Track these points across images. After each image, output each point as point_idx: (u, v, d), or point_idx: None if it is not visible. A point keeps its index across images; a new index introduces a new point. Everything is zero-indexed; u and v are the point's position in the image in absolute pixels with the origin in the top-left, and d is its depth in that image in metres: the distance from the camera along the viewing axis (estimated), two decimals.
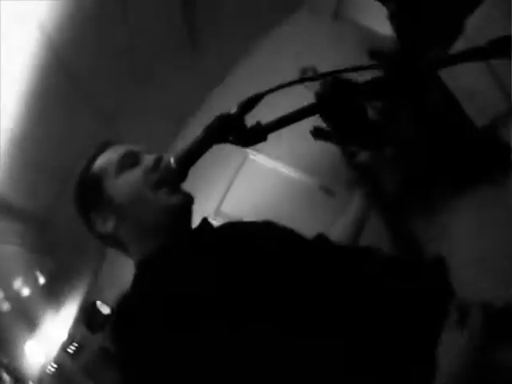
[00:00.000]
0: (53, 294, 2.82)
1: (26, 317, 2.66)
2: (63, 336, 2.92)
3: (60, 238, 2.92)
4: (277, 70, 4.18)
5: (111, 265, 3.46)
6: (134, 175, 1.00)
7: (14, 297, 2.61)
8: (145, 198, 0.98)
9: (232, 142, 0.95)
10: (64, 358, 2.95)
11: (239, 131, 0.94)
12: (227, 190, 4.02)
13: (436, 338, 0.88)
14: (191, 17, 3.19)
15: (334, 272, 0.98)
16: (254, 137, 0.95)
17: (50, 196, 2.94)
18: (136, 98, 3.22)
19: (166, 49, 3.31)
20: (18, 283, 2.64)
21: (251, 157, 4.10)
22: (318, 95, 3.19)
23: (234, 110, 0.93)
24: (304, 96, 3.34)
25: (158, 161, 1.01)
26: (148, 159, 1.03)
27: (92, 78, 2.71)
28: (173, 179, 0.99)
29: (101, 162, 1.04)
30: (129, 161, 1.02)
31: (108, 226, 1.01)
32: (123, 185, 0.99)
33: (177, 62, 3.43)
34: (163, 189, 0.99)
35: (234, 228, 1.21)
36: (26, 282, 2.67)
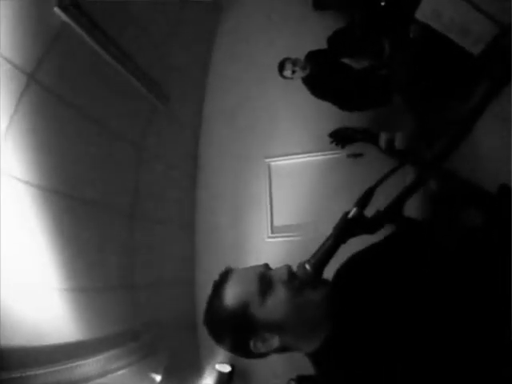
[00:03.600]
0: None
1: None
2: None
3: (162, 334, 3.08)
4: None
5: None
6: (279, 295, 1.04)
7: None
8: (297, 305, 1.03)
9: (359, 235, 1.06)
10: None
11: (364, 225, 1.06)
12: (271, 204, 4.03)
13: None
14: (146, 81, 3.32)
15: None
16: (377, 224, 1.08)
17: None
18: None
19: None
20: None
21: (273, 163, 4.11)
22: (306, 78, 3.19)
23: (353, 211, 1.06)
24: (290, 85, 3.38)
25: (290, 271, 1.07)
26: (279, 273, 1.08)
27: None
28: (312, 280, 1.04)
29: (237, 296, 1.06)
30: (264, 284, 1.05)
31: (273, 343, 1.05)
32: (274, 307, 1.03)
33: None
34: (306, 289, 1.04)
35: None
36: None
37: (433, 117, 2.73)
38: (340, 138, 3.40)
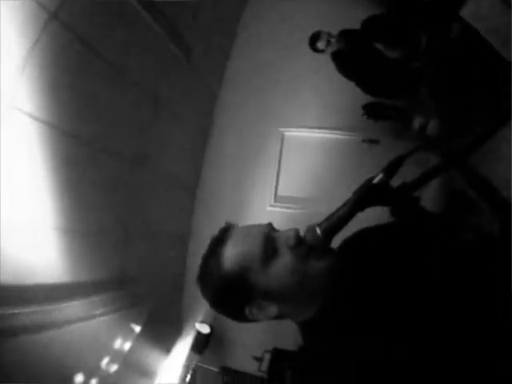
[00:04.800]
0: (151, 337, 3.01)
1: (137, 368, 2.83)
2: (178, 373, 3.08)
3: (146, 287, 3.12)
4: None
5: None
6: (283, 261, 0.95)
7: (119, 355, 2.78)
8: (302, 274, 0.94)
9: (379, 205, 0.97)
10: None
11: (388, 196, 0.97)
12: (278, 173, 3.99)
13: None
14: (174, 34, 3.21)
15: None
16: (400, 197, 0.99)
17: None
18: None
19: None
20: (118, 342, 2.79)
21: (287, 134, 4.02)
22: (336, 54, 3.10)
23: (379, 177, 0.95)
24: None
25: (298, 235, 0.96)
26: (285, 237, 0.97)
27: None
28: (320, 246, 0.95)
29: (238, 259, 0.96)
30: (268, 248, 0.96)
31: (270, 312, 0.97)
32: (276, 275, 0.94)
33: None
34: (312, 256, 0.95)
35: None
36: (124, 338, 2.83)
37: (456, 118, 2.65)
38: (373, 111, 3.31)
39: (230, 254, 0.97)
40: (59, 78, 2.40)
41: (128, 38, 2.86)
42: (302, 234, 0.97)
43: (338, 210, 0.95)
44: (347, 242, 1.19)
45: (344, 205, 0.94)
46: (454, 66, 2.58)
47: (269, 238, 0.97)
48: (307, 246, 0.95)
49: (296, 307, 0.99)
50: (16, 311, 2.11)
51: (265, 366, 3.30)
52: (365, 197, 0.94)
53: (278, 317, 0.99)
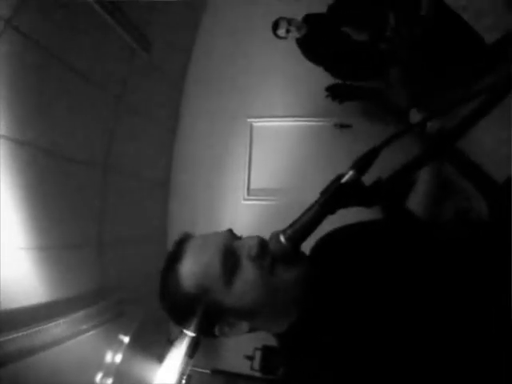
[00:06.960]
0: (141, 345, 2.90)
1: (131, 379, 2.74)
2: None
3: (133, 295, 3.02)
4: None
5: None
6: (247, 276, 0.87)
7: (112, 369, 2.67)
8: (269, 287, 0.87)
9: (351, 206, 0.85)
10: None
11: (361, 195, 0.84)
12: (249, 166, 3.92)
13: None
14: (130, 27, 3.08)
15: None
16: (377, 196, 0.85)
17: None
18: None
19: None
20: (109, 356, 2.69)
21: (255, 124, 3.96)
22: (300, 40, 3.03)
23: (349, 174, 0.82)
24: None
25: (261, 243, 0.89)
26: (248, 246, 0.90)
27: None
28: (287, 256, 0.87)
29: (197, 278, 0.88)
30: (230, 261, 0.87)
31: (241, 328, 0.91)
32: (241, 292, 0.87)
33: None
34: (279, 266, 0.88)
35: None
36: (114, 350, 2.73)
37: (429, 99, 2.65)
38: (338, 92, 3.26)
39: (188, 273, 0.89)
40: (17, 86, 2.25)
41: (85, 39, 2.71)
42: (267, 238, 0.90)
43: (304, 213, 0.85)
44: (319, 244, 1.12)
45: (311, 207, 0.85)
46: (426, 44, 2.57)
47: (229, 250, 0.90)
48: (272, 257, 0.87)
49: (269, 321, 0.93)
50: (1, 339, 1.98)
51: (257, 364, 3.26)
52: (334, 198, 0.83)
53: (251, 331, 0.93)
